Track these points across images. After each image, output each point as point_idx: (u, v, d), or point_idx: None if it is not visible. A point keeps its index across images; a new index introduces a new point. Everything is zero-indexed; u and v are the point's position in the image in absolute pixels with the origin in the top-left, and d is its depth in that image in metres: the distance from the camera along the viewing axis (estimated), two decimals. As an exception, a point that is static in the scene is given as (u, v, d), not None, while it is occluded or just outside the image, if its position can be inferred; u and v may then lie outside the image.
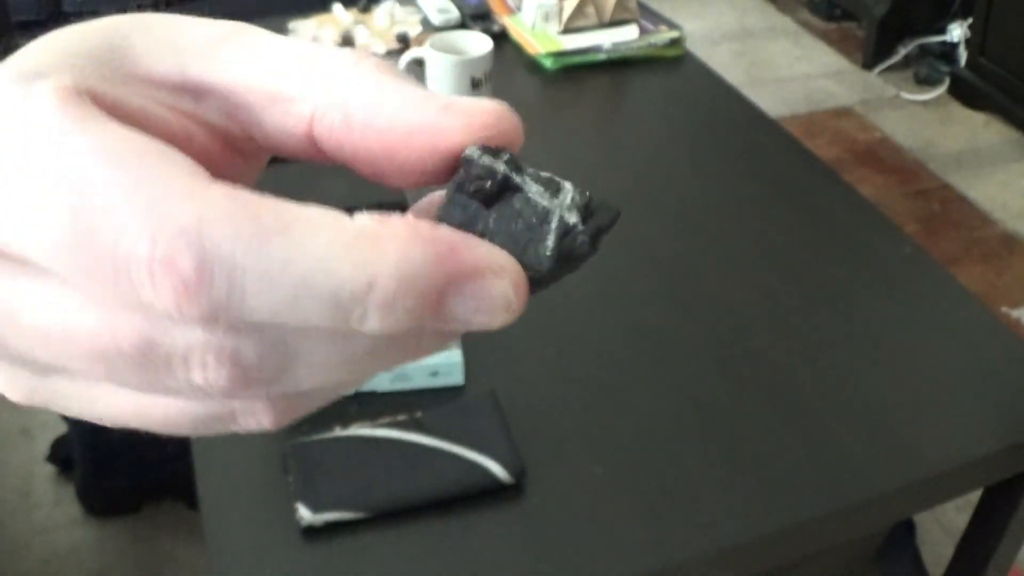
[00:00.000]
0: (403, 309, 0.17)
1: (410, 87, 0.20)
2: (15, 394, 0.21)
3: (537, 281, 0.20)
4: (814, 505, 0.75)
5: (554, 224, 0.20)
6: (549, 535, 0.72)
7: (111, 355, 0.18)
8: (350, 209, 0.18)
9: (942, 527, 1.54)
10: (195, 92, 0.21)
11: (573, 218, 0.20)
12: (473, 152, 0.20)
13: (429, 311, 0.18)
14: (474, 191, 0.20)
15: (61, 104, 0.17)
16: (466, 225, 0.20)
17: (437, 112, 0.20)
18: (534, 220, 0.20)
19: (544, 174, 0.20)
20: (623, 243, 1.04)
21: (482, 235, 0.19)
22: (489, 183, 0.20)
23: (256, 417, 0.20)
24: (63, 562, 1.53)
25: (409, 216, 0.18)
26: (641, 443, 0.80)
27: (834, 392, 0.85)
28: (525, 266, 0.19)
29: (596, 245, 0.20)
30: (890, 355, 0.89)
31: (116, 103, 0.19)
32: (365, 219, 0.18)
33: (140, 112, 0.19)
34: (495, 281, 0.18)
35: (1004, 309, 2.06)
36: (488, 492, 0.75)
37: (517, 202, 0.20)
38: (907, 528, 1.29)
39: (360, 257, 0.17)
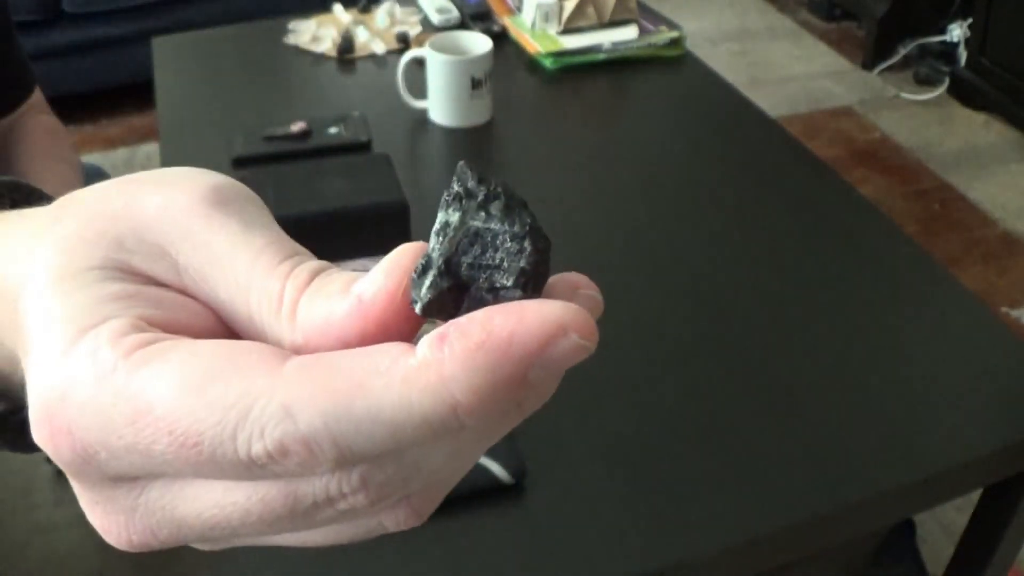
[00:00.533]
0: (494, 403, 0.19)
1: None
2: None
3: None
4: (814, 505, 0.75)
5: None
6: (549, 535, 0.72)
7: (267, 517, 0.21)
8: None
9: (942, 527, 1.54)
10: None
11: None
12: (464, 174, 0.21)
13: (517, 392, 0.19)
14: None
15: (123, 356, 0.20)
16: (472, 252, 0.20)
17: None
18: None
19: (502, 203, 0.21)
20: (622, 243, 1.04)
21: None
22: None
23: (399, 518, 0.22)
24: (63, 562, 1.53)
25: (462, 321, 0.19)
26: (641, 443, 0.80)
27: (834, 392, 0.85)
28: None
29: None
30: (890, 355, 0.89)
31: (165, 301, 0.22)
32: (424, 348, 0.19)
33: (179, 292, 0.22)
34: (562, 341, 0.20)
35: (1004, 309, 2.06)
36: (488, 492, 0.75)
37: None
38: (907, 528, 1.29)
39: (432, 390, 0.19)
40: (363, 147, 1.21)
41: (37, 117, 1.16)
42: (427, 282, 0.20)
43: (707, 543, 0.72)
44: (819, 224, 1.07)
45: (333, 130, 1.23)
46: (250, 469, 0.19)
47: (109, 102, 2.79)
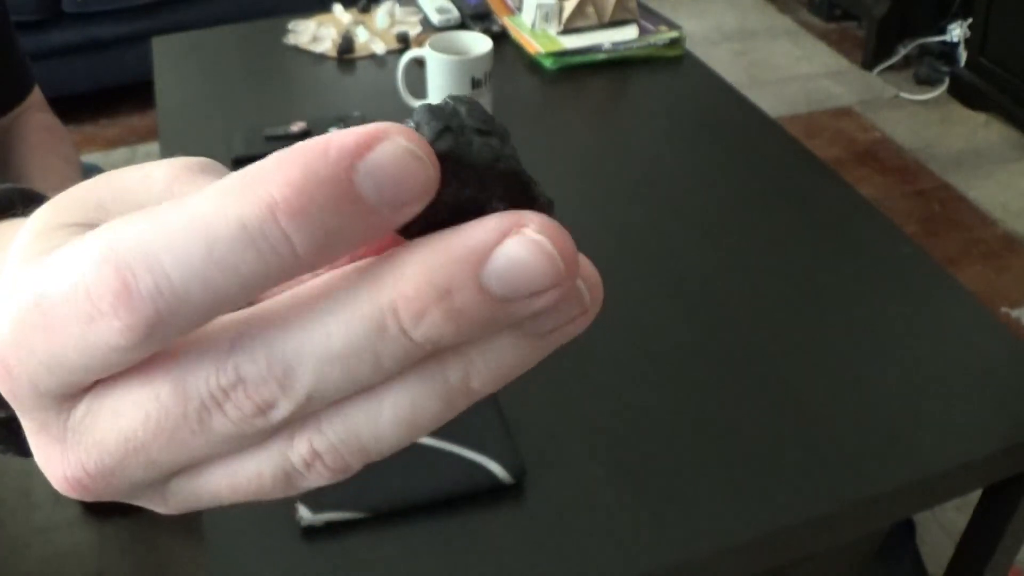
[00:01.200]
0: (316, 208, 0.17)
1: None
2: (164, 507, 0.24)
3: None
4: (814, 505, 0.75)
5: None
6: (549, 535, 0.72)
7: (166, 424, 0.19)
8: None
9: (942, 527, 1.54)
10: None
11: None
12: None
13: (345, 205, 0.18)
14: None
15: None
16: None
17: None
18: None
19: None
20: (622, 243, 1.04)
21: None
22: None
23: (303, 454, 0.20)
24: (63, 562, 1.53)
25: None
26: (641, 443, 0.80)
27: (834, 392, 0.85)
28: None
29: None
30: (890, 355, 0.89)
31: None
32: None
33: None
34: (384, 144, 0.19)
35: (1004, 309, 2.06)
36: (488, 492, 0.75)
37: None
38: (907, 528, 1.29)
39: (245, 189, 0.17)
40: (363, 147, 1.21)
41: (36, 115, 1.16)
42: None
43: (707, 543, 0.72)
44: (819, 224, 1.07)
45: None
46: (94, 321, 0.18)
47: (109, 102, 2.79)
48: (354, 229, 0.18)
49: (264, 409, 0.19)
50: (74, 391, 0.20)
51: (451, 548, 0.71)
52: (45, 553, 1.54)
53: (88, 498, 0.22)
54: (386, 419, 0.20)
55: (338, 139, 0.18)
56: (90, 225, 0.21)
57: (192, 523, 1.57)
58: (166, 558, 1.53)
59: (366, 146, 0.18)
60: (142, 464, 0.20)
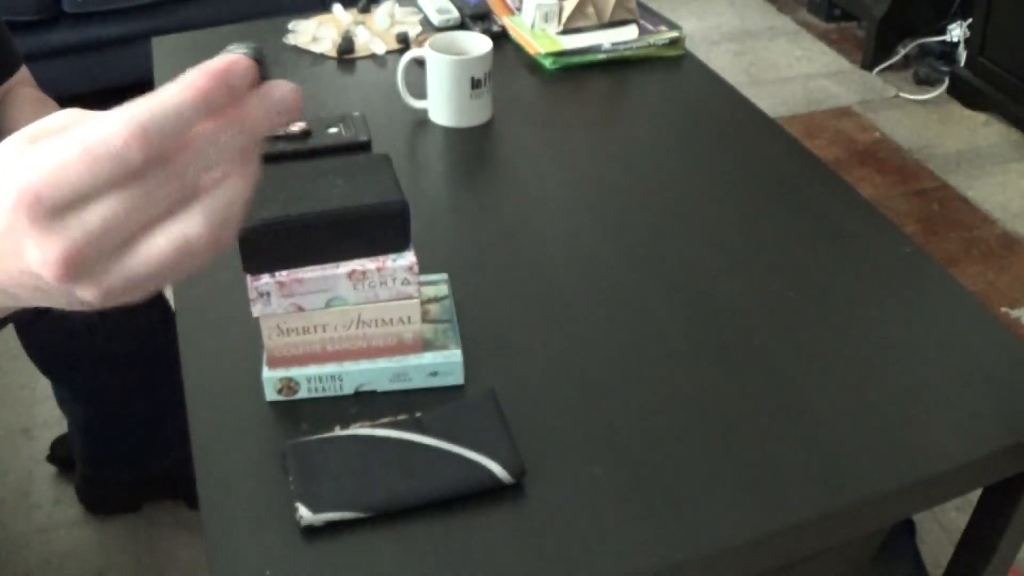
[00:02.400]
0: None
1: None
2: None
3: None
4: (814, 505, 0.75)
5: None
6: (549, 535, 0.72)
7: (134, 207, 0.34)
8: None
9: (942, 527, 1.54)
10: None
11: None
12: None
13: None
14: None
15: None
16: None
17: None
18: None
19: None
20: (622, 243, 1.04)
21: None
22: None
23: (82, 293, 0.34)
24: (63, 562, 1.53)
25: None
26: (641, 443, 0.80)
27: (834, 392, 0.85)
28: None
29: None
30: (890, 355, 0.89)
31: None
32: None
33: None
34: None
35: (1004, 309, 2.06)
36: (488, 492, 0.75)
37: None
38: (907, 528, 1.29)
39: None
40: (363, 147, 1.21)
41: (26, 89, 1.21)
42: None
43: (707, 543, 0.72)
44: (819, 224, 1.07)
45: (333, 130, 1.23)
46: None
47: (109, 102, 2.77)
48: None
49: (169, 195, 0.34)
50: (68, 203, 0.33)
51: (451, 548, 0.71)
52: (45, 553, 1.54)
53: (70, 274, 0.33)
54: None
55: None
56: (31, 143, 0.35)
57: (192, 523, 1.57)
58: (166, 558, 1.53)
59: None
60: (113, 233, 0.33)
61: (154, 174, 0.33)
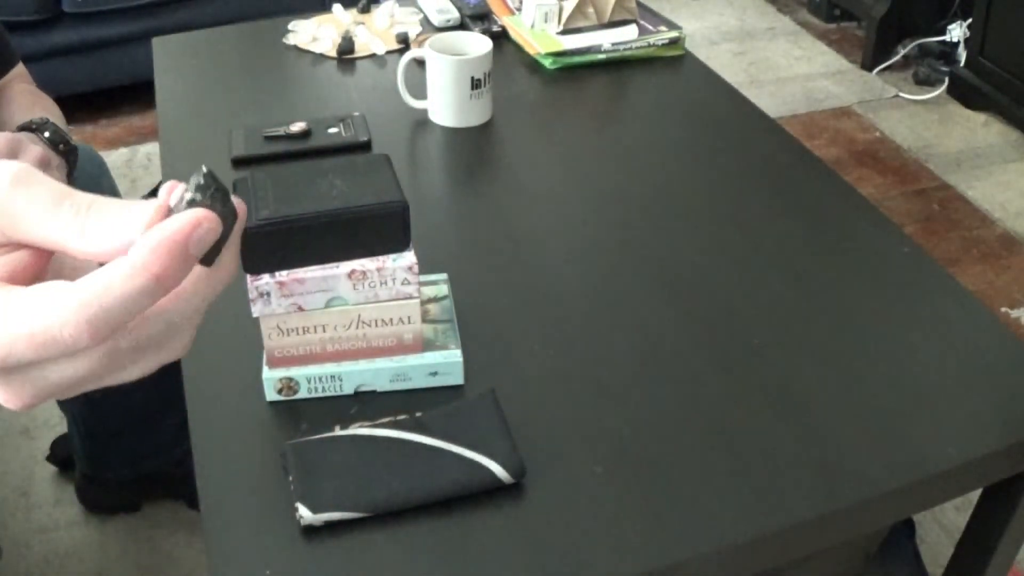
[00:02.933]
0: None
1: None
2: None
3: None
4: (814, 505, 0.75)
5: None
6: (549, 535, 0.72)
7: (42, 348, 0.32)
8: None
9: (942, 527, 1.54)
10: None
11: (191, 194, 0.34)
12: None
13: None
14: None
15: None
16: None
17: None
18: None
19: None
20: (622, 243, 1.04)
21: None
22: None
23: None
24: (63, 562, 1.53)
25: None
26: (641, 443, 0.80)
27: (834, 392, 0.85)
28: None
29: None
30: (890, 355, 0.89)
31: None
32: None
33: None
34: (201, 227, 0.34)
35: (1004, 309, 2.06)
36: (488, 492, 0.75)
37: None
38: (907, 528, 1.29)
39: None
40: (363, 147, 1.21)
41: (22, 84, 1.23)
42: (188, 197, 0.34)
43: (707, 543, 0.72)
44: (818, 224, 1.07)
45: (333, 130, 1.23)
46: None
47: (109, 102, 2.79)
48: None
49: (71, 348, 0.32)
50: None
51: (451, 548, 0.71)
52: (45, 553, 1.54)
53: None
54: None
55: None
56: None
57: (192, 523, 1.57)
58: (166, 558, 1.53)
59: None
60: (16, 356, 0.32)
61: (100, 346, 0.34)
